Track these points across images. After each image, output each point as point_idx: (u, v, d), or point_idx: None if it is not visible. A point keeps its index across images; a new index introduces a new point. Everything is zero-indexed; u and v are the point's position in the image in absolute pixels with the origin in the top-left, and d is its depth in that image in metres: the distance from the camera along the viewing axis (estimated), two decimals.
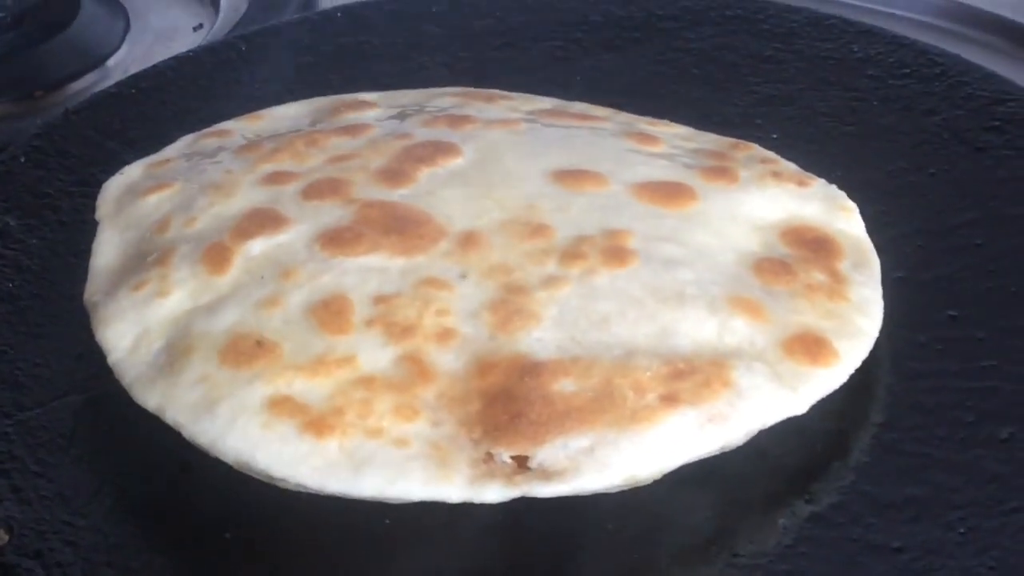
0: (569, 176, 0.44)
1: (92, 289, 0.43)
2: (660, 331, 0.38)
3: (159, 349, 0.39)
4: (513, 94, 0.54)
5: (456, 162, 0.46)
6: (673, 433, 0.36)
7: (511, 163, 0.46)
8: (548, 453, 0.35)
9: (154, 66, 0.59)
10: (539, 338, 0.38)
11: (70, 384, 0.43)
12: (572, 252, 0.41)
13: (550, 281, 0.40)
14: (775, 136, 0.51)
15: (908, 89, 0.54)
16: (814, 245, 0.43)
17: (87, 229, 0.49)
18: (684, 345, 0.38)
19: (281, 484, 0.36)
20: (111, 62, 0.79)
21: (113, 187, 0.48)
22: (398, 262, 0.40)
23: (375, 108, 0.52)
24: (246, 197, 0.44)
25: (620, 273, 0.40)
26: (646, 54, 0.59)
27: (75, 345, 0.44)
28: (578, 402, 0.36)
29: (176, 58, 0.60)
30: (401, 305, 0.39)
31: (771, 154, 0.48)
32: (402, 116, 0.50)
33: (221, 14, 0.81)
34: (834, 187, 0.46)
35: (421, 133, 0.48)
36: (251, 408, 0.36)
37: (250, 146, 0.49)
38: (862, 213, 0.45)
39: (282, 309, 0.39)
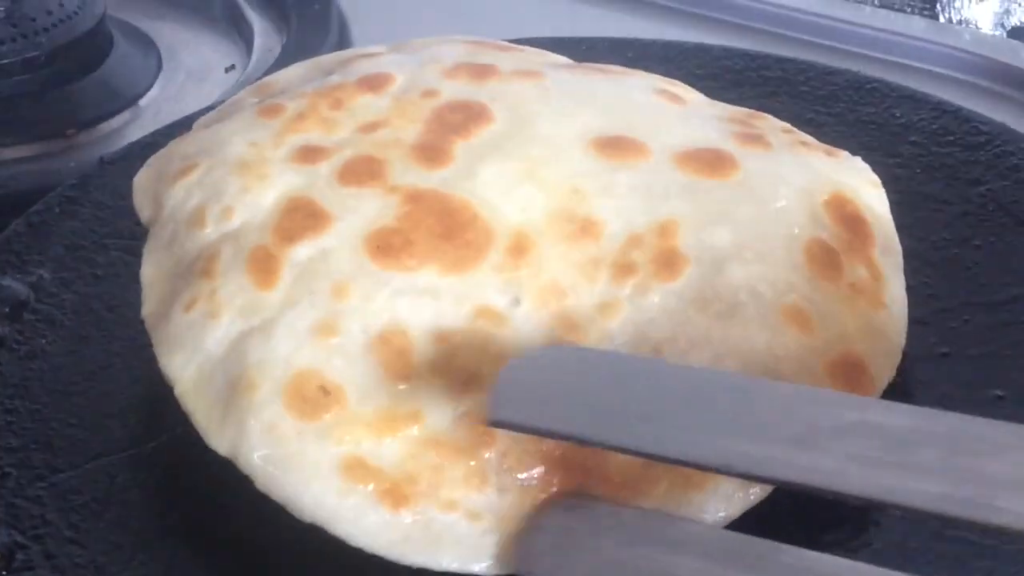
0: (609, 145, 0.44)
1: (148, 306, 0.42)
2: (712, 358, 0.38)
3: (221, 381, 0.38)
4: (525, 48, 0.53)
5: (490, 129, 0.44)
6: (729, 487, 0.36)
7: (546, 127, 0.45)
8: None
9: (188, 116, 0.59)
10: None
11: (104, 445, 0.42)
12: (623, 263, 0.40)
13: (604, 308, 0.39)
14: None
15: (952, 157, 0.53)
16: (853, 225, 0.43)
17: (122, 283, 0.49)
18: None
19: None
20: (143, 102, 0.79)
21: (143, 181, 0.47)
22: (449, 280, 0.39)
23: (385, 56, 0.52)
24: (279, 181, 0.43)
25: (672, 287, 0.39)
26: None
27: (109, 404, 0.44)
28: (634, 472, 0.36)
29: (212, 108, 0.60)
30: (460, 346, 0.38)
31: (788, 124, 0.48)
32: (419, 62, 0.49)
33: (254, 55, 0.82)
34: (859, 159, 0.46)
35: (448, 88, 0.47)
36: (325, 470, 0.36)
37: (271, 108, 0.47)
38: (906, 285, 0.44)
39: (340, 340, 0.38)
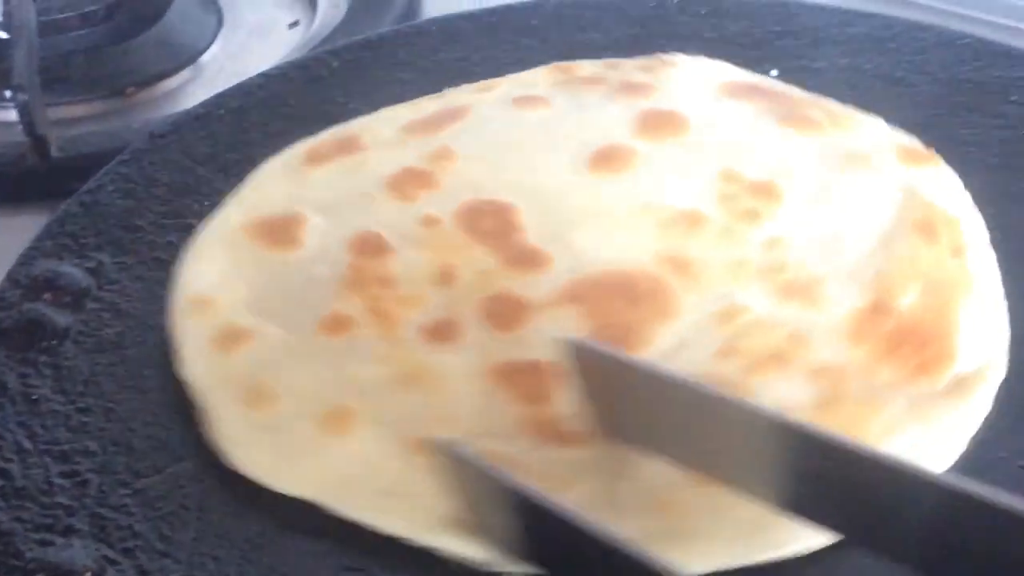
0: (601, 161, 0.47)
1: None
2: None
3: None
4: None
5: (523, 216, 0.45)
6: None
7: (547, 181, 0.47)
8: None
9: (240, 84, 0.57)
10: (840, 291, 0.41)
11: (186, 446, 0.39)
12: (743, 213, 0.44)
13: (771, 246, 0.43)
14: None
15: None
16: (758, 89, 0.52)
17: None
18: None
19: None
20: (204, 59, 0.78)
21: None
22: (683, 322, 0.40)
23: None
24: (397, 350, 0.42)
25: (789, 197, 0.45)
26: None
27: (186, 398, 0.41)
28: (923, 313, 0.40)
29: (264, 75, 0.58)
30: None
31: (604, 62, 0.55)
32: (356, 209, 0.48)
33: (319, 11, 0.79)
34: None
35: (438, 207, 0.47)
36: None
37: (335, 324, 0.43)
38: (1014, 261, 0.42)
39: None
